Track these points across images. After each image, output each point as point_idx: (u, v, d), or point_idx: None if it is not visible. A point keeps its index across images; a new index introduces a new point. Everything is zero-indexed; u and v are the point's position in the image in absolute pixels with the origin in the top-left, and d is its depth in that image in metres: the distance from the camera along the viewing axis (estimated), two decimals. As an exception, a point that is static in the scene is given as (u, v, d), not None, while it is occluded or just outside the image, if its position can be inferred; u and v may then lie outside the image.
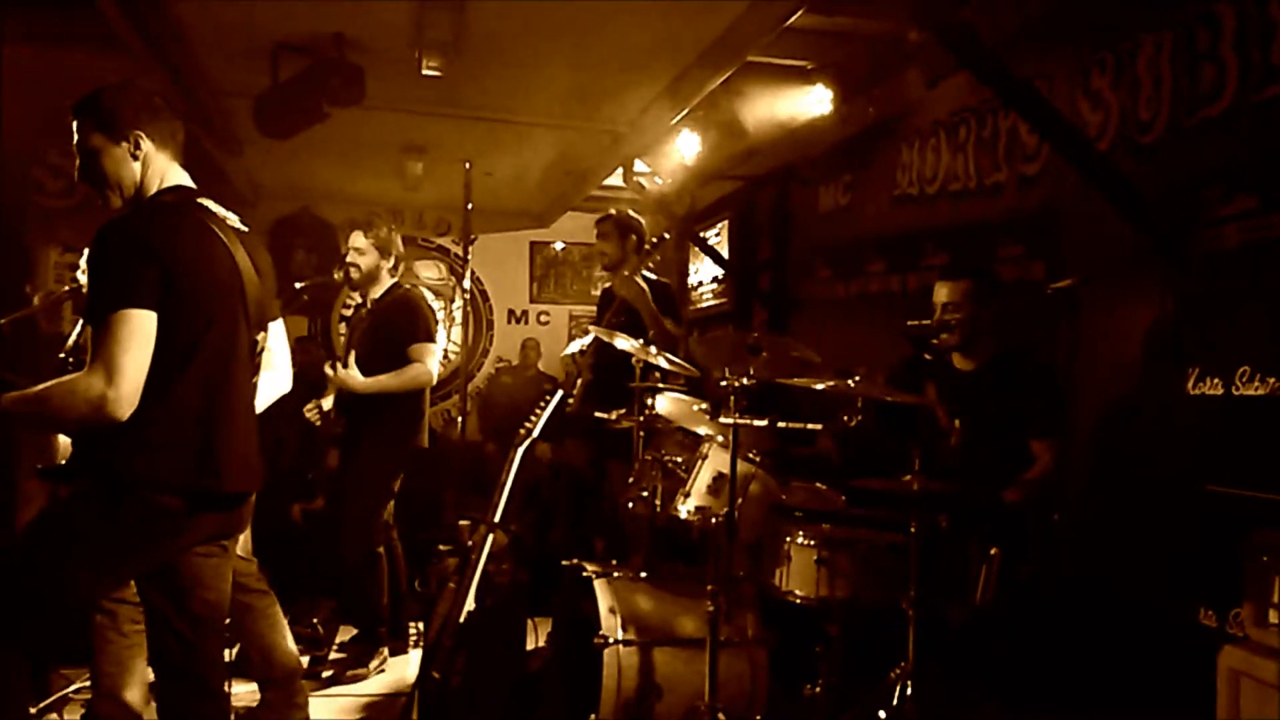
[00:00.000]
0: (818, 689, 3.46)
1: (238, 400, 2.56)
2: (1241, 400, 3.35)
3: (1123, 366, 3.89)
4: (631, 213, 5.31)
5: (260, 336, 2.69)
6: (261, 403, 2.78)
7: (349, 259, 4.79)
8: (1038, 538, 3.45)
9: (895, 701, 3.18)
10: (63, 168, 6.62)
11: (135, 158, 2.54)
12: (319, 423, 4.84)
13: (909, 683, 3.16)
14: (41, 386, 2.32)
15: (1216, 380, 3.44)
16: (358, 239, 4.79)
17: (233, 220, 2.64)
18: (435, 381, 4.81)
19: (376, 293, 4.87)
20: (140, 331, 2.29)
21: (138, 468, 2.36)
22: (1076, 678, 3.61)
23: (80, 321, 3.05)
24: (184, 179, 2.62)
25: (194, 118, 5.70)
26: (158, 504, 2.37)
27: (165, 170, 2.58)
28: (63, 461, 2.64)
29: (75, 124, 2.55)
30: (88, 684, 3.52)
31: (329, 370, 4.61)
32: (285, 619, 3.92)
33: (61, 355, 3.24)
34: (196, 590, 2.53)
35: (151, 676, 2.71)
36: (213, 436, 2.45)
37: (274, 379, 2.89)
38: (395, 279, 4.91)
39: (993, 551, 3.22)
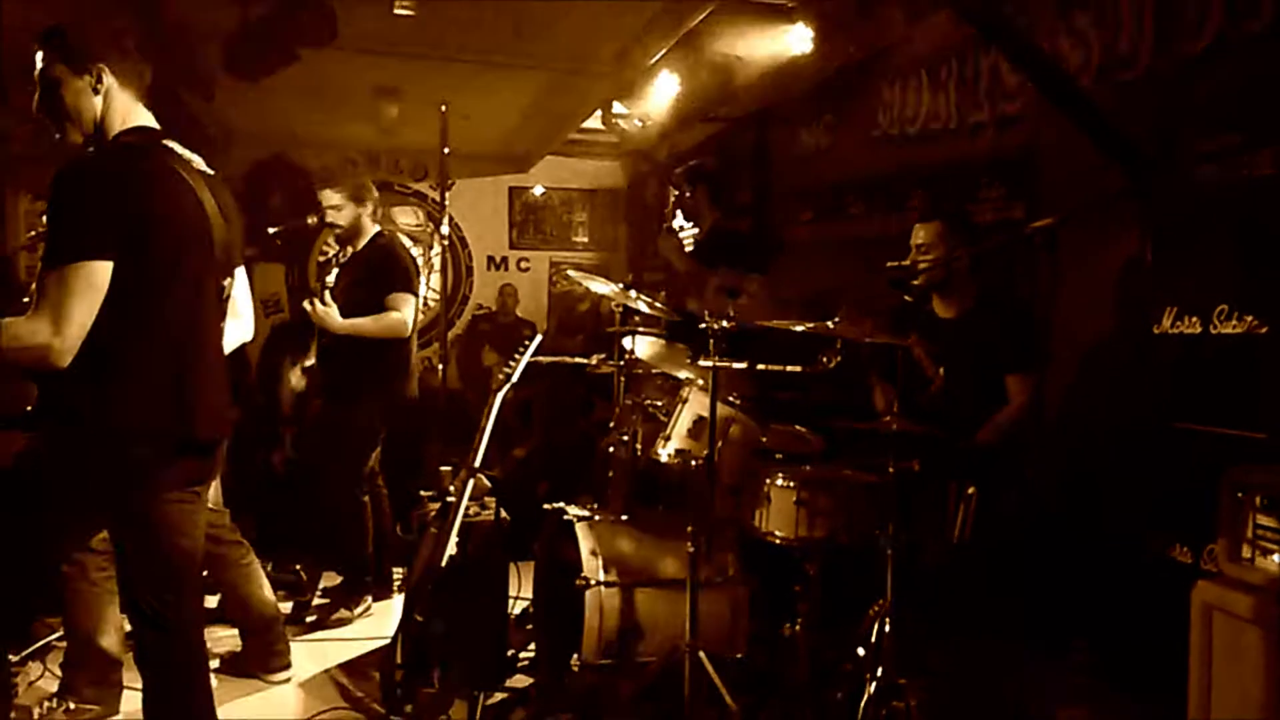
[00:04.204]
0: (797, 628, 3.50)
1: (207, 346, 2.53)
2: (1219, 339, 3.36)
3: (1102, 305, 3.89)
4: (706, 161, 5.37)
5: (226, 282, 2.65)
6: (225, 348, 2.75)
7: (328, 219, 4.76)
8: (1014, 475, 3.48)
9: (873, 639, 3.21)
10: (30, 113, 6.47)
11: (96, 91, 2.47)
12: (303, 387, 4.83)
13: (887, 620, 3.20)
14: None
15: (1194, 319, 3.45)
16: (330, 196, 4.73)
17: (198, 163, 2.59)
18: (410, 331, 4.77)
19: (361, 243, 4.84)
20: (93, 282, 2.25)
21: (108, 415, 2.34)
22: (1052, 613, 3.66)
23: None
24: (148, 120, 2.56)
25: (163, 60, 5.56)
26: (129, 451, 2.35)
27: (129, 109, 2.52)
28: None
29: (40, 54, 2.49)
30: (68, 632, 3.52)
31: (308, 306, 4.58)
32: (263, 568, 3.94)
33: (25, 300, 3.18)
34: (170, 537, 2.51)
35: (128, 625, 2.70)
36: (183, 383, 2.42)
37: (238, 325, 2.86)
38: (377, 228, 4.87)
39: (970, 490, 3.24)
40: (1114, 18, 3.86)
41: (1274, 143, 3.21)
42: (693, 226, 6.09)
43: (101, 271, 2.27)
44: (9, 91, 6.04)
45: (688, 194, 5.32)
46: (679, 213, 5.37)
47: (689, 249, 5.48)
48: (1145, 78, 3.72)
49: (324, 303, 4.56)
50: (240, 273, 2.81)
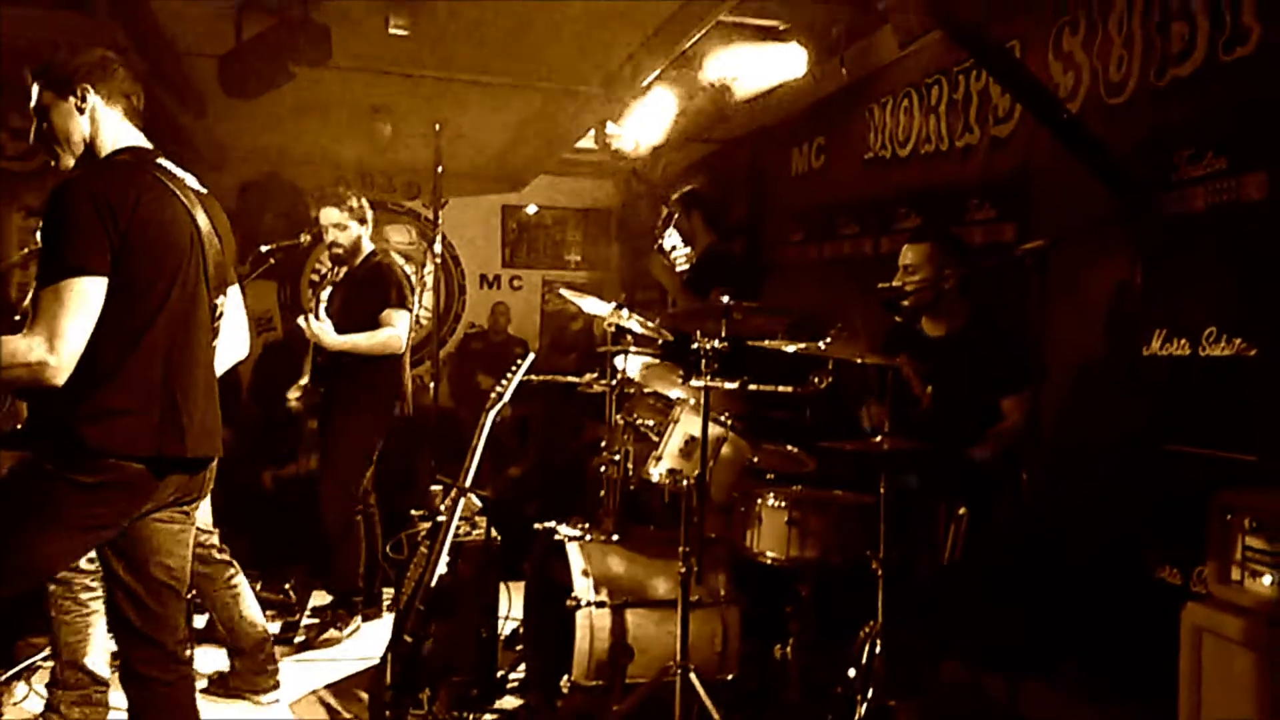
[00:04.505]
0: (789, 648, 3.49)
1: (199, 364, 2.53)
2: (1207, 361, 3.37)
3: (1092, 327, 3.91)
4: (700, 187, 5.43)
5: (219, 300, 2.65)
6: (219, 367, 2.75)
7: (330, 238, 4.78)
8: (1005, 496, 3.48)
9: (864, 660, 3.21)
10: (23, 130, 6.45)
11: (81, 111, 2.50)
12: (300, 407, 4.83)
13: (878, 641, 3.19)
14: None
15: (1183, 341, 3.47)
16: (334, 214, 4.75)
17: (190, 181, 2.60)
18: (404, 348, 4.78)
19: (357, 261, 4.85)
20: (89, 299, 2.26)
21: (100, 434, 2.33)
22: (1042, 634, 3.66)
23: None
24: (139, 140, 2.57)
25: (157, 79, 5.58)
26: (120, 470, 2.34)
27: (118, 129, 2.54)
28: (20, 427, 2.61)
29: (32, 88, 2.54)
30: (53, 652, 3.50)
31: (302, 323, 4.60)
32: (255, 587, 3.92)
33: (17, 318, 3.18)
34: (158, 557, 2.50)
35: (114, 644, 2.69)
36: (174, 401, 2.42)
37: (232, 343, 2.86)
38: (371, 246, 4.89)
39: (961, 511, 3.24)
40: (1103, 42, 3.89)
41: (1261, 166, 3.23)
42: (685, 247, 6.11)
43: (96, 288, 2.27)
44: (4, 112, 6.06)
45: (675, 215, 5.36)
46: (671, 233, 5.39)
47: (681, 269, 5.49)
48: (1134, 102, 3.75)
49: (318, 318, 4.57)
50: (235, 290, 2.82)
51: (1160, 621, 2.95)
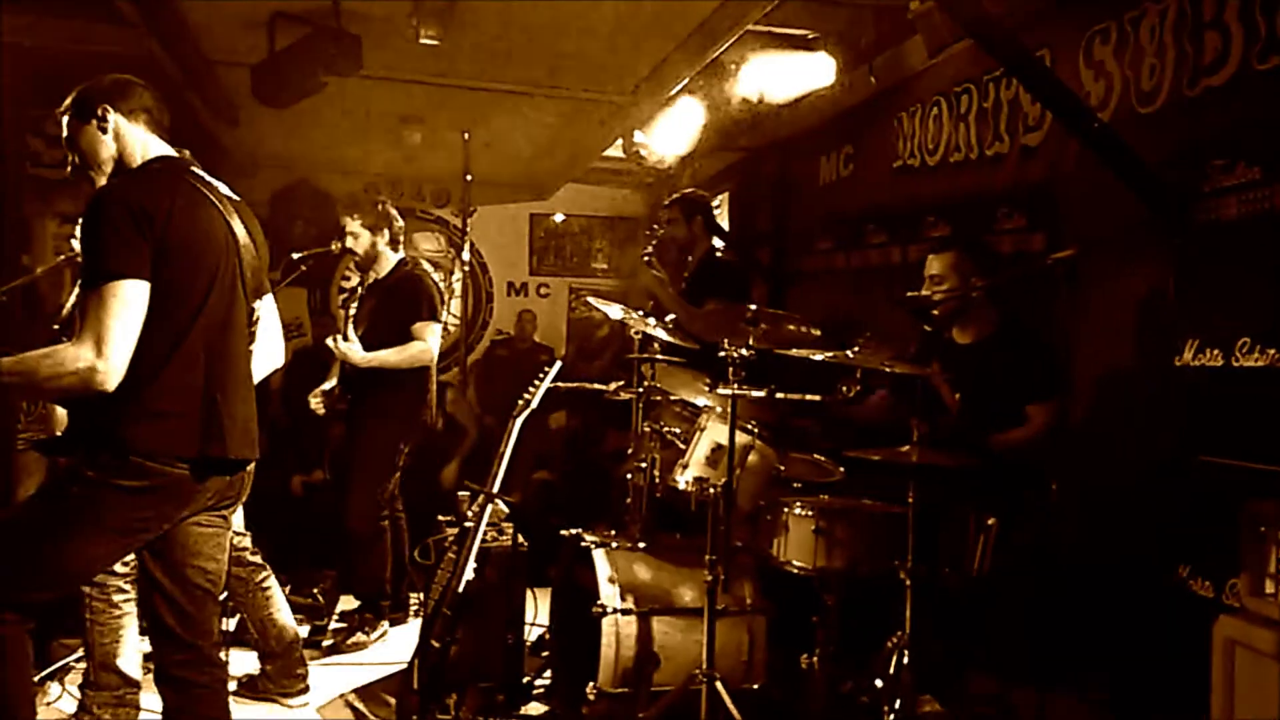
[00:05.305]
0: (815, 658, 3.48)
1: (237, 367, 2.56)
2: (1241, 372, 3.34)
3: (1123, 337, 3.88)
4: (699, 191, 5.43)
5: (255, 305, 2.69)
6: (255, 374, 2.78)
7: (347, 244, 4.81)
8: (1035, 507, 3.46)
9: (892, 670, 3.19)
10: (59, 138, 6.56)
11: (104, 130, 2.55)
12: (322, 411, 4.86)
13: (905, 652, 3.17)
14: (30, 354, 2.31)
15: (1216, 351, 3.43)
16: (349, 223, 4.79)
17: (223, 189, 2.64)
18: (435, 360, 4.81)
19: (383, 270, 4.88)
20: (131, 302, 2.29)
21: (142, 437, 2.36)
22: (1071, 646, 3.62)
23: (76, 291, 3.06)
24: (167, 150, 2.61)
25: (190, 87, 5.66)
26: (163, 473, 2.37)
27: (145, 142, 2.59)
28: (59, 433, 2.65)
29: (62, 122, 2.60)
30: (88, 653, 3.54)
31: (330, 343, 4.63)
32: (283, 591, 3.95)
33: (55, 327, 3.23)
34: (195, 560, 2.53)
35: (147, 645, 2.72)
36: (215, 403, 2.45)
37: (266, 351, 2.89)
38: (400, 255, 4.91)
39: (990, 522, 3.23)
40: (1135, 51, 3.87)
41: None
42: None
43: (138, 291, 2.30)
44: (38, 120, 6.14)
45: (672, 222, 5.38)
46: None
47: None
48: (1166, 111, 3.72)
49: (345, 337, 4.60)
50: (269, 299, 2.85)
51: (1192, 634, 2.92)
